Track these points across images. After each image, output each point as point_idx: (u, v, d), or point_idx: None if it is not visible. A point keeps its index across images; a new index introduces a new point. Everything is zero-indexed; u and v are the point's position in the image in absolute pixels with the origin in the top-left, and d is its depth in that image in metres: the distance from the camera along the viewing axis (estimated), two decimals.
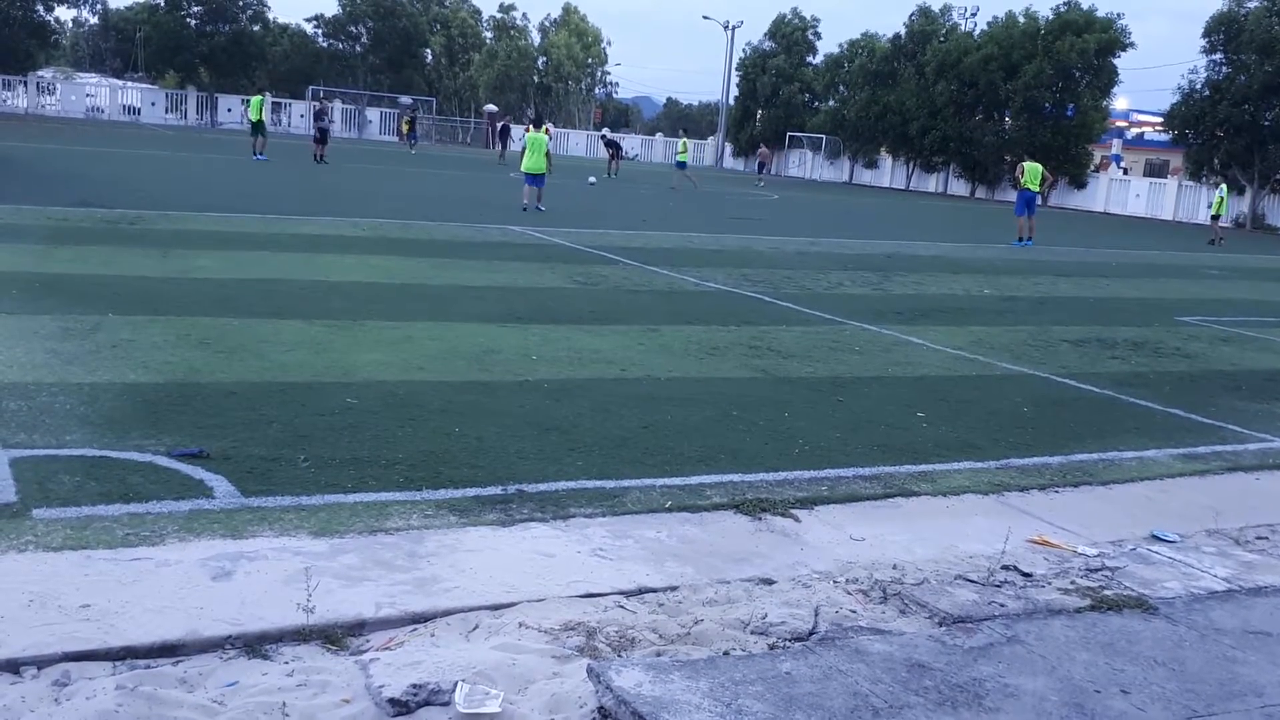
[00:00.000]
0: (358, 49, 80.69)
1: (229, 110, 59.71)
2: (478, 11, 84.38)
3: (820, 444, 6.74)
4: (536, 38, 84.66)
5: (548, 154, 22.87)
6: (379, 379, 7.45)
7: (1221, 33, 44.85)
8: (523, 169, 22.94)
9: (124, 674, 3.41)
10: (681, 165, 39.45)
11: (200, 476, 5.23)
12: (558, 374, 8.05)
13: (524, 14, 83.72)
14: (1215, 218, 32.68)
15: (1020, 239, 24.94)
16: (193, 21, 66.23)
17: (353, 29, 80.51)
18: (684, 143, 42.73)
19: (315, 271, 12.08)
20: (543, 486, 5.48)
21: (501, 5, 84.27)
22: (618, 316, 10.86)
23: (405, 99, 65.16)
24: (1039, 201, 26.13)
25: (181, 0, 65.60)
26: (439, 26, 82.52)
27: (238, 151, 34.62)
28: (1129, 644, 4.02)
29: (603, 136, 44.19)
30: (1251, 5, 44.48)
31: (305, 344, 8.36)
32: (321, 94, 56.21)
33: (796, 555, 4.90)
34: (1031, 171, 25.44)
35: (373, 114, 65.04)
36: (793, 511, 5.42)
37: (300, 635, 3.77)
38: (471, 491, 5.32)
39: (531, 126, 24.76)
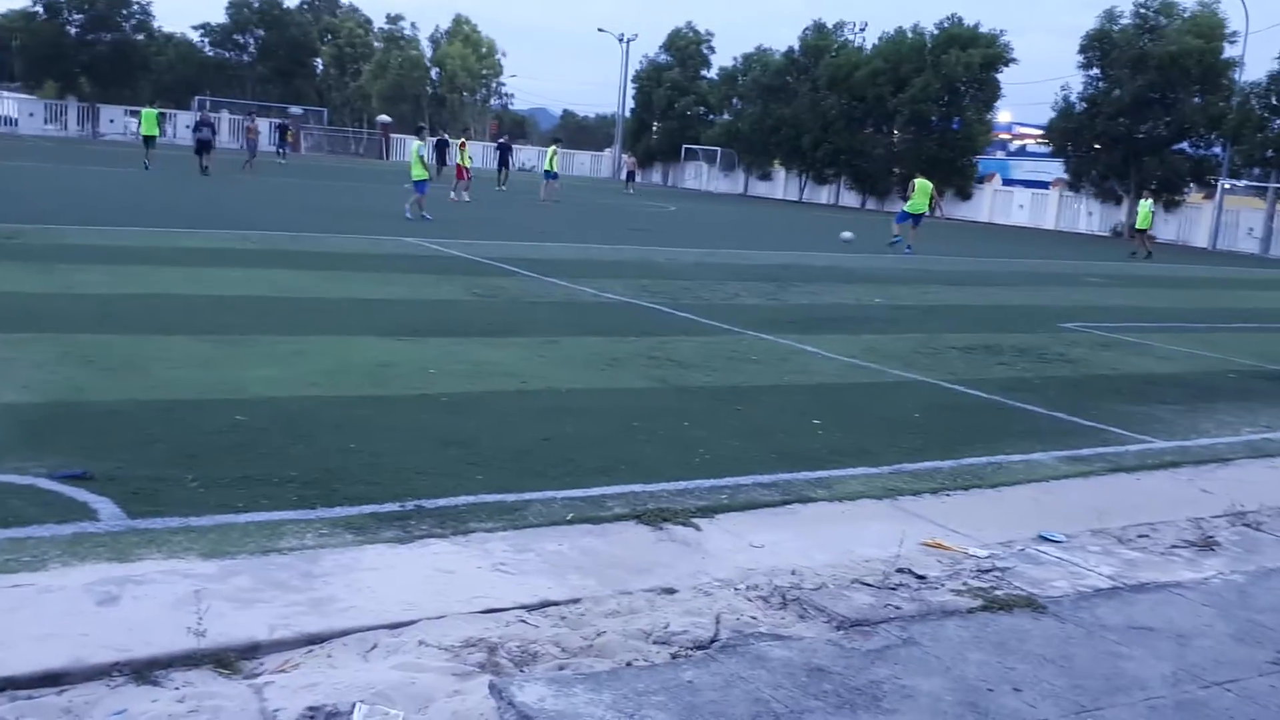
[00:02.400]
0: (245, 58, 79.03)
1: (111, 121, 57.93)
2: (368, 21, 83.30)
3: (720, 453, 6.79)
4: (428, 48, 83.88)
5: (422, 160, 24.03)
6: (270, 395, 7.28)
7: (1096, 48, 46.68)
8: (415, 177, 23.56)
9: (4, 705, 3.26)
10: (550, 176, 36.58)
11: (84, 499, 5.04)
12: (456, 387, 7.97)
13: (413, 24, 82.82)
14: (1140, 230, 33.42)
15: (895, 238, 25.71)
16: (73, 30, 64.11)
17: (240, 38, 78.85)
18: (554, 150, 38.86)
19: (203, 286, 11.77)
20: (442, 502, 5.42)
21: (389, 16, 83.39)
22: (516, 328, 10.81)
23: (295, 109, 64.05)
24: (925, 217, 26.86)
25: (61, 7, 63.45)
26: (329, 36, 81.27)
27: (120, 163, 33.61)
28: (1019, 643, 4.14)
29: (500, 145, 43.90)
30: (1124, 22, 46.38)
31: (193, 360, 8.13)
32: (208, 104, 54.89)
33: (698, 564, 4.93)
34: (921, 189, 26.19)
35: (262, 124, 63.70)
36: (694, 520, 5.45)
37: (191, 660, 3.66)
38: (368, 509, 5.23)
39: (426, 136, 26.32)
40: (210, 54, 78.53)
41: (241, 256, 14.54)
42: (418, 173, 23.55)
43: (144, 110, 34.81)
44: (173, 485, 5.34)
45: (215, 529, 4.82)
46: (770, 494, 6.04)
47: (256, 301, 11.10)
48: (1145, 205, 34.46)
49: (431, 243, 18.15)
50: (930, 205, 26.96)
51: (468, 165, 33.30)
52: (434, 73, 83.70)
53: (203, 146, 32.61)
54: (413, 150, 24.98)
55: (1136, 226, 33.90)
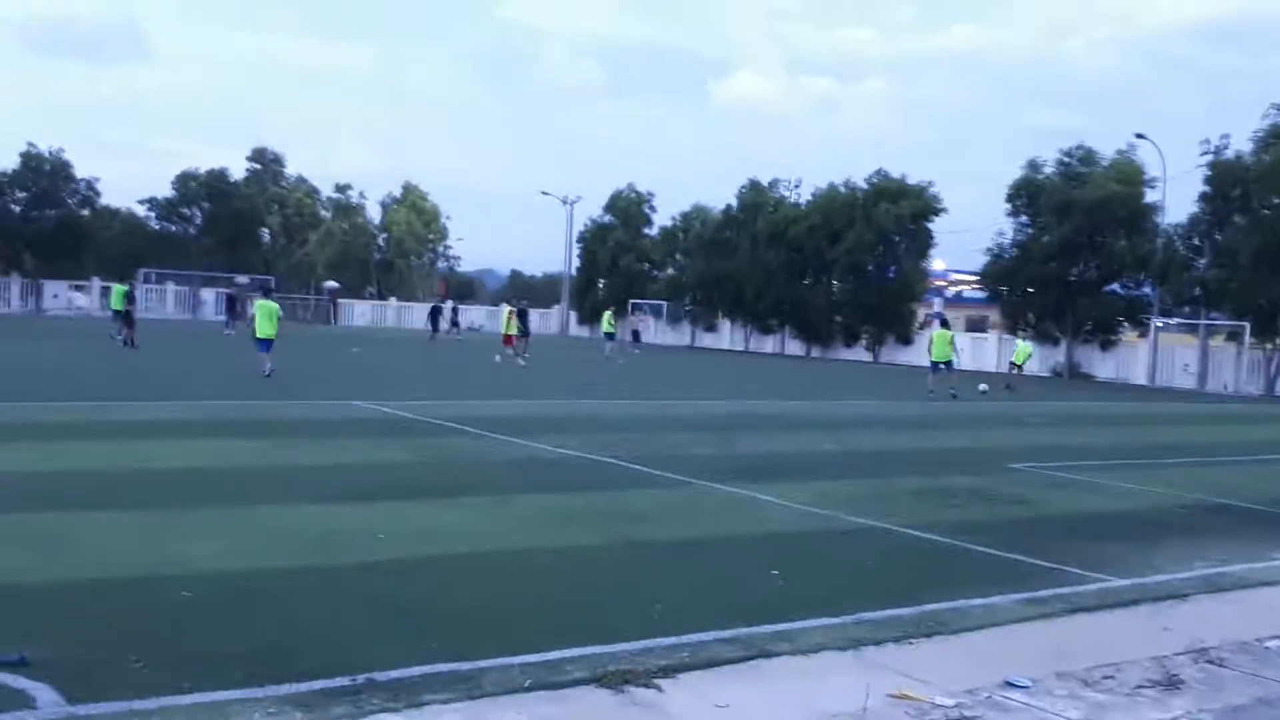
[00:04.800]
0: (191, 230, 79.64)
1: (55, 296, 57.76)
2: (315, 190, 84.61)
3: (679, 608, 6.68)
4: (378, 213, 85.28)
5: (279, 319, 24.27)
6: (215, 569, 7.08)
7: (1024, 196, 48.56)
8: (257, 335, 23.66)
9: None
10: (524, 334, 35.15)
11: (21, 686, 4.80)
12: (406, 552, 7.81)
13: (361, 192, 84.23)
14: (1016, 365, 34.85)
15: (931, 392, 27.27)
16: (17, 207, 64.42)
17: (186, 210, 79.58)
18: (509, 311, 36.76)
19: (143, 459, 11.55)
20: (394, 674, 5.23)
21: (337, 185, 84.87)
22: (467, 488, 10.68)
23: (241, 278, 64.31)
24: (956, 364, 28.60)
25: (3, 186, 63.92)
26: (276, 206, 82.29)
27: (61, 338, 33.36)
28: None
29: (453, 308, 44.74)
30: (1048, 170, 48.42)
31: (134, 536, 7.92)
32: (140, 276, 55.07)
33: None
34: (939, 340, 27.52)
35: (207, 294, 63.92)
36: (655, 681, 5.31)
37: None
38: (318, 684, 5.04)
39: (263, 294, 26.71)
40: (156, 227, 79.01)
41: (183, 427, 14.33)
42: (266, 331, 23.40)
43: (115, 286, 35.20)
44: (115, 667, 5.11)
45: (160, 711, 4.61)
46: (732, 649, 5.92)
47: (198, 473, 10.89)
48: (1023, 345, 36.21)
49: (380, 405, 18.05)
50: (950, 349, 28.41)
51: (512, 332, 33.90)
52: (381, 238, 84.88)
53: (127, 318, 32.09)
54: (268, 308, 24.15)
55: (1013, 360, 35.25)
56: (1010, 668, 5.80)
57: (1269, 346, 41.19)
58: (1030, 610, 7.14)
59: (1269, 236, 39.07)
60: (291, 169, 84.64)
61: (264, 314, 23.95)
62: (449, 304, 56.35)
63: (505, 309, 37.58)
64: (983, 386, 27.88)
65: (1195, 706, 5.29)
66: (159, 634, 5.66)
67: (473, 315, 68.06)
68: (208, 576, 6.87)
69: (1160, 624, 6.93)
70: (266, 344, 23.36)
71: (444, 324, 50.78)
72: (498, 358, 32.33)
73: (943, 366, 27.96)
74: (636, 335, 52.74)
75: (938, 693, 5.35)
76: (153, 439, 13.04)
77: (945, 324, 31.44)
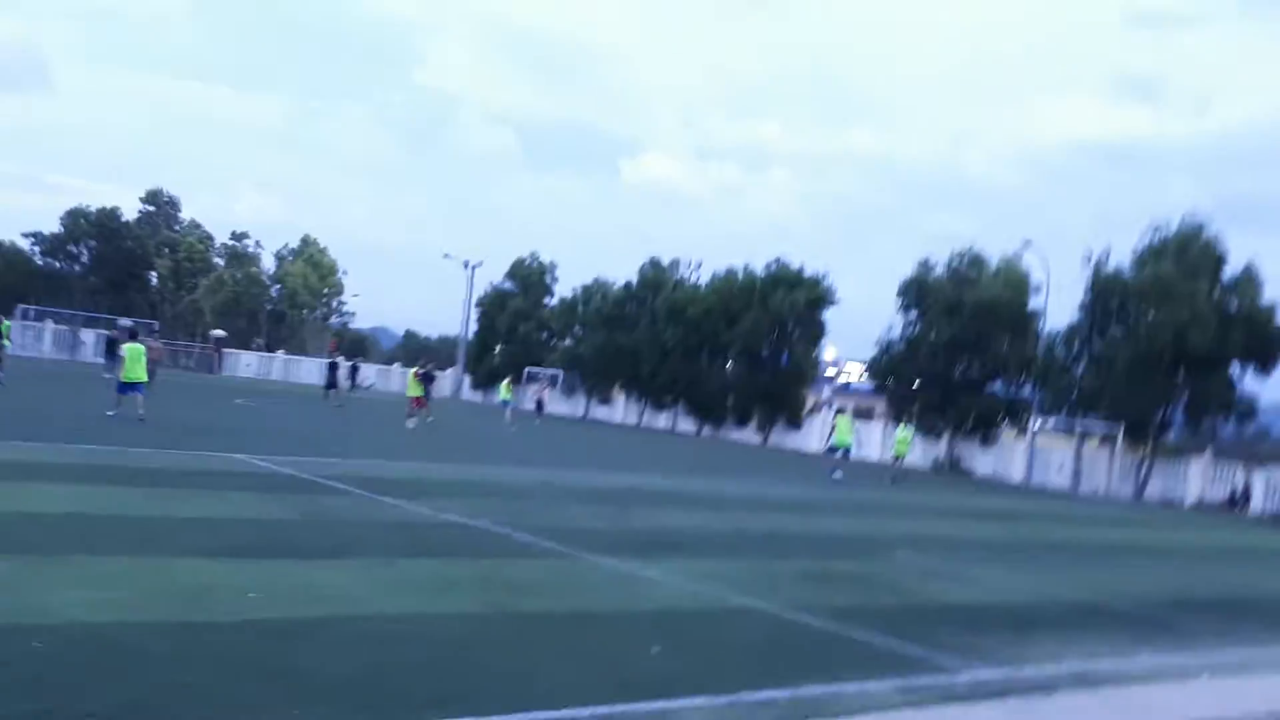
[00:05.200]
0: (77, 268, 77.29)
1: None
2: (209, 237, 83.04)
3: (557, 682, 6.59)
4: (272, 264, 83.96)
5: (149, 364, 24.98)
6: (75, 620, 6.77)
7: (913, 292, 50.04)
8: (124, 378, 23.86)
9: None
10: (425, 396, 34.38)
11: None
12: (281, 613, 7.58)
13: (257, 241, 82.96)
14: (897, 457, 35.68)
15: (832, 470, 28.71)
16: None
17: (73, 248, 77.30)
18: (414, 373, 35.77)
19: (9, 501, 11.03)
20: None
21: (234, 233, 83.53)
22: (347, 550, 10.44)
23: (125, 321, 62.45)
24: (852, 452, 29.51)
25: None
26: (167, 250, 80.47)
27: None
28: None
29: (352, 365, 43.91)
30: (938, 271, 50.04)
31: None
32: (19, 311, 53.09)
33: None
34: (841, 427, 28.69)
35: (87, 335, 61.88)
36: None
37: None
38: None
39: (129, 338, 27.78)
40: (40, 263, 76.51)
41: (55, 471, 13.77)
42: (136, 374, 23.77)
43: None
44: None
45: None
46: None
47: (66, 519, 10.45)
48: (903, 433, 36.65)
49: (261, 460, 17.59)
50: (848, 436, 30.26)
51: (418, 394, 33.31)
52: (275, 289, 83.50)
53: None
54: (136, 351, 24.43)
55: (894, 453, 36.21)
56: None
57: (1140, 451, 42.81)
58: (905, 697, 7.21)
59: (1142, 347, 40.88)
60: (187, 214, 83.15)
61: (133, 357, 24.10)
62: (347, 361, 55.22)
63: (411, 371, 36.73)
64: (838, 474, 29.03)
65: None
66: (6, 690, 5.37)
67: (366, 372, 67.02)
68: (66, 628, 6.56)
69: (1029, 715, 7.07)
70: (136, 386, 23.60)
71: (342, 380, 49.58)
72: (411, 423, 31.55)
73: (841, 452, 29.14)
74: (540, 405, 51.38)
75: None
76: (26, 480, 12.48)
77: (842, 411, 32.45)
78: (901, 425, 39.84)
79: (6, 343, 31.54)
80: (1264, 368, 41.53)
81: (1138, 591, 14.19)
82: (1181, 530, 28.27)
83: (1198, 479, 40.91)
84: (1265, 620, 12.94)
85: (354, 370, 52.98)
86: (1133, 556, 19.47)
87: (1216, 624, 12.14)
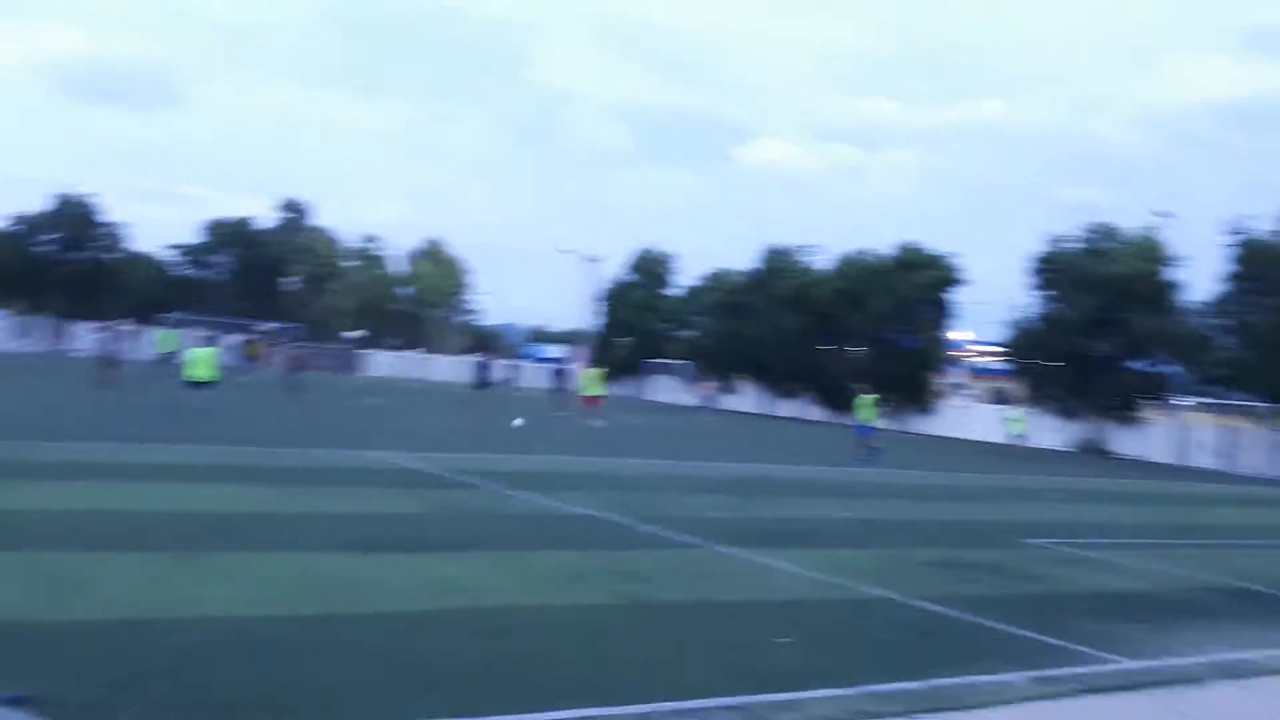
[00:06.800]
0: (218, 276, 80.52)
1: (81, 337, 58.28)
2: (340, 241, 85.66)
3: (683, 673, 6.61)
4: (402, 265, 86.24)
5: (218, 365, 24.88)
6: (221, 614, 7.07)
7: (1047, 270, 48.50)
8: (185, 378, 24.23)
9: None
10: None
11: None
12: (413, 605, 7.78)
13: (387, 243, 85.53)
14: (1017, 436, 34.62)
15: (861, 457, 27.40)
16: (45, 250, 65.46)
17: (214, 258, 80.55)
18: (600, 372, 38.45)
19: (161, 501, 11.57)
20: None
21: (366, 236, 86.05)
22: (478, 543, 10.65)
23: (268, 325, 64.86)
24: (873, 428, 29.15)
25: (35, 228, 65.02)
26: (303, 255, 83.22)
27: (88, 378, 33.63)
28: None
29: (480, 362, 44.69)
30: (1070, 245, 48.39)
31: (143, 578, 7.92)
32: (174, 320, 55.65)
33: None
34: (861, 404, 28.23)
35: (229, 340, 64.39)
36: None
37: None
38: None
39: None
40: (182, 273, 79.97)
41: (204, 471, 14.37)
42: (208, 374, 23.86)
43: (164, 331, 35.95)
44: (116, 709, 5.10)
45: None
46: (735, 718, 5.85)
47: (213, 517, 10.91)
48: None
49: (397, 455, 18.06)
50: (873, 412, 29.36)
51: (598, 392, 34.27)
52: (406, 290, 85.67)
53: (112, 360, 33.21)
54: (209, 353, 24.93)
55: (1014, 433, 35.07)
56: None
57: None
58: (1041, 689, 7.02)
59: None
60: (319, 220, 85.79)
61: (193, 359, 24.32)
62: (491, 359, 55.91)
63: (593, 370, 37.33)
64: (518, 420, 28.26)
65: None
66: (161, 678, 5.65)
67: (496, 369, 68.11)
68: (214, 621, 6.87)
69: (1172, 708, 6.81)
70: (199, 386, 23.74)
71: (491, 378, 49.89)
72: (600, 421, 31.97)
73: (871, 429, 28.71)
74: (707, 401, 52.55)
75: None
76: (176, 481, 13.03)
77: (868, 391, 31.47)
78: (1010, 408, 38.84)
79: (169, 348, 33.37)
80: None
81: None
82: None
83: None
84: None
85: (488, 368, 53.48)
86: None
87: None
